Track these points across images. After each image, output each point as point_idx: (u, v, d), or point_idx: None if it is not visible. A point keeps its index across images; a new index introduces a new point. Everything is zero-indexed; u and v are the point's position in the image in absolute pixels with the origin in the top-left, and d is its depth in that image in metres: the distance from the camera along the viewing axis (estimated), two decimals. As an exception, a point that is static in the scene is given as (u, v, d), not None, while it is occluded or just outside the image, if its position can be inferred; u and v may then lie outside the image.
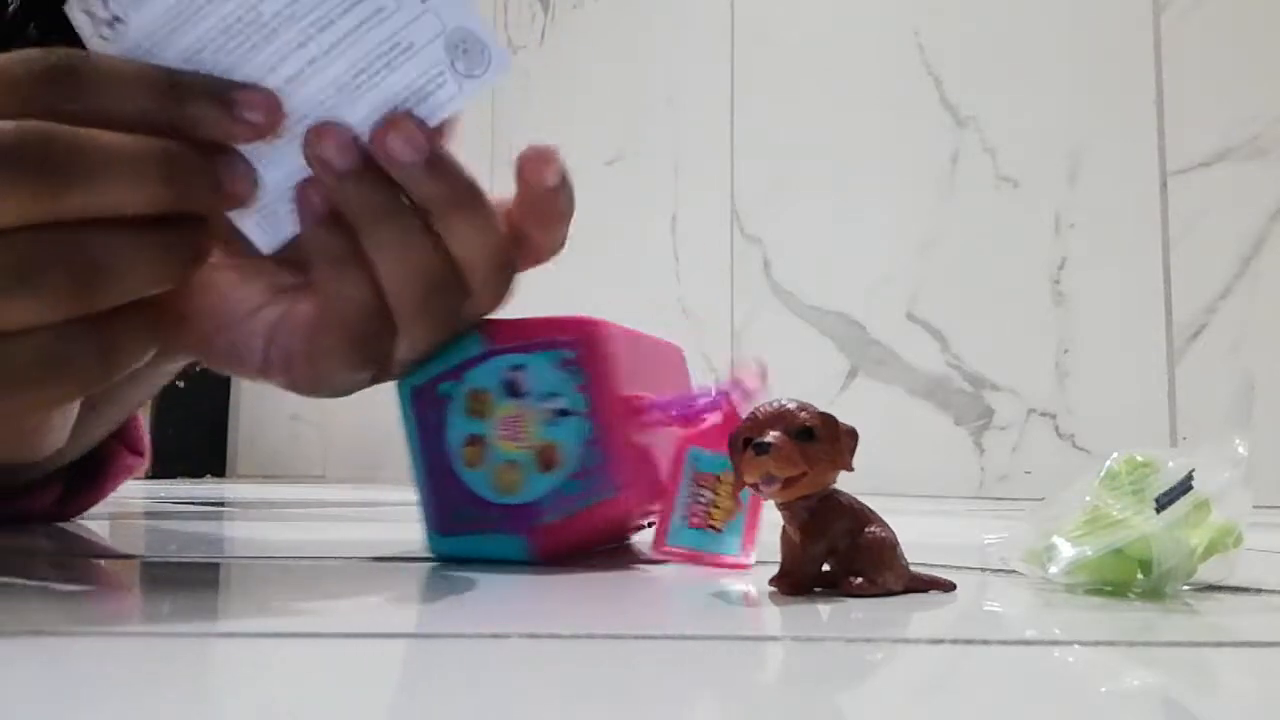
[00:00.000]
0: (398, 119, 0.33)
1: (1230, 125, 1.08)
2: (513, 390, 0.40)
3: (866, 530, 0.33)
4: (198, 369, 0.51)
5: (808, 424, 0.32)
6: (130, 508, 0.83)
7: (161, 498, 1.05)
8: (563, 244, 0.38)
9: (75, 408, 0.40)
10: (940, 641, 0.27)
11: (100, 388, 0.33)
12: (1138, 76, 1.15)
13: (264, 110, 0.32)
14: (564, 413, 0.39)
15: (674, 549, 0.39)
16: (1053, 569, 0.34)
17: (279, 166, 0.34)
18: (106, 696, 0.20)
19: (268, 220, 0.35)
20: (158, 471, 0.61)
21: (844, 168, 1.41)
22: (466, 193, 0.35)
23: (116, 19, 0.32)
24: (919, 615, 0.31)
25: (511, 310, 0.40)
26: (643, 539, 0.46)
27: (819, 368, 1.40)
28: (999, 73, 1.28)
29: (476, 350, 0.40)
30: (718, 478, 0.39)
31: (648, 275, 1.64)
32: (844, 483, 0.33)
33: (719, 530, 0.39)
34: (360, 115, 0.33)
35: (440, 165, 0.34)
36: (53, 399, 0.32)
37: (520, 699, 0.20)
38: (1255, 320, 1.06)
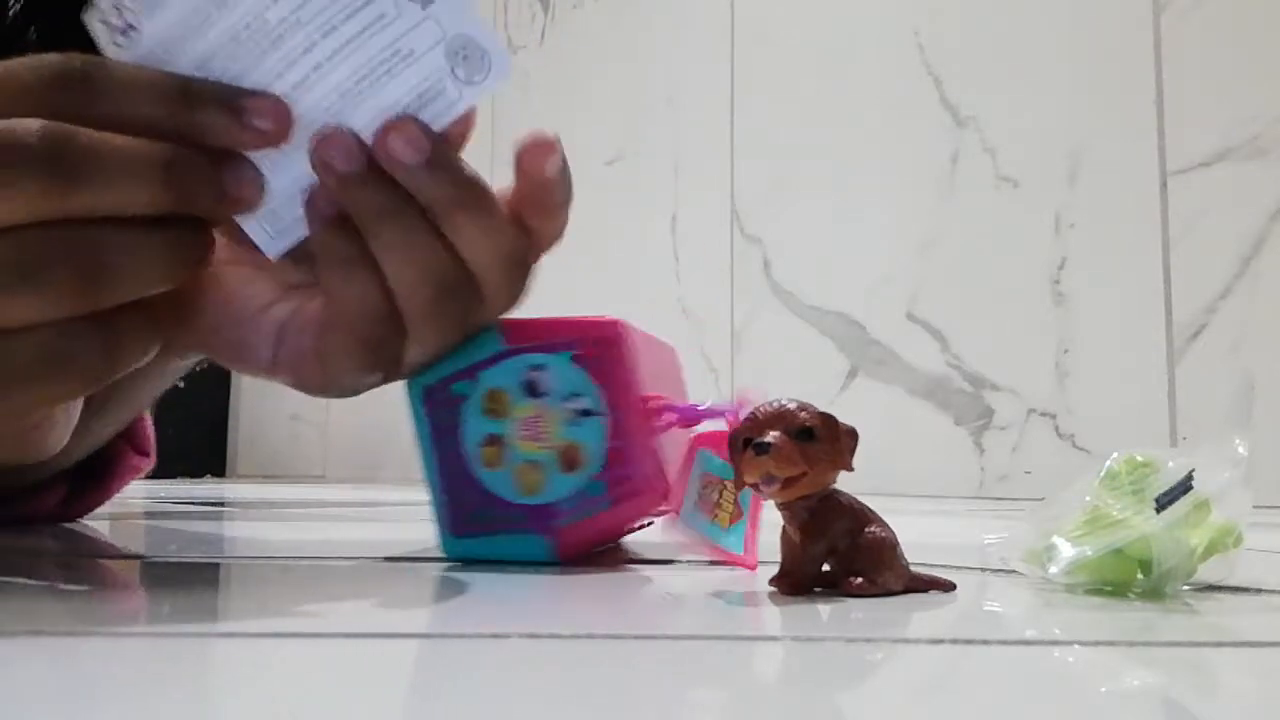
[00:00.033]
0: (400, 122, 0.33)
1: (1230, 125, 1.08)
2: (533, 390, 0.39)
3: (866, 530, 0.33)
4: (199, 368, 0.51)
5: (808, 424, 0.32)
6: (130, 508, 0.83)
7: (161, 498, 1.05)
8: (562, 232, 0.38)
9: (78, 406, 0.40)
10: (940, 641, 0.27)
11: (102, 385, 0.33)
12: (1138, 76, 1.15)
13: (273, 117, 0.32)
14: (587, 413, 0.39)
15: (687, 531, 0.39)
16: (1053, 569, 0.34)
17: (285, 172, 0.34)
18: (107, 697, 0.20)
19: (274, 225, 0.35)
20: (158, 471, 0.61)
21: (844, 168, 1.41)
22: (471, 194, 0.35)
23: (130, 27, 0.32)
24: (919, 615, 0.31)
25: (513, 309, 0.40)
26: (638, 539, 0.46)
27: (819, 368, 1.40)
28: (999, 73, 1.28)
29: (493, 349, 0.40)
30: (724, 483, 0.40)
31: (648, 275, 1.65)
32: (844, 483, 0.33)
33: (724, 528, 0.39)
34: (364, 121, 0.33)
35: (444, 167, 0.34)
36: (55, 396, 0.32)
37: (520, 699, 0.20)
38: (1255, 320, 1.06)
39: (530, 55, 1.91)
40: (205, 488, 1.58)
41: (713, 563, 0.42)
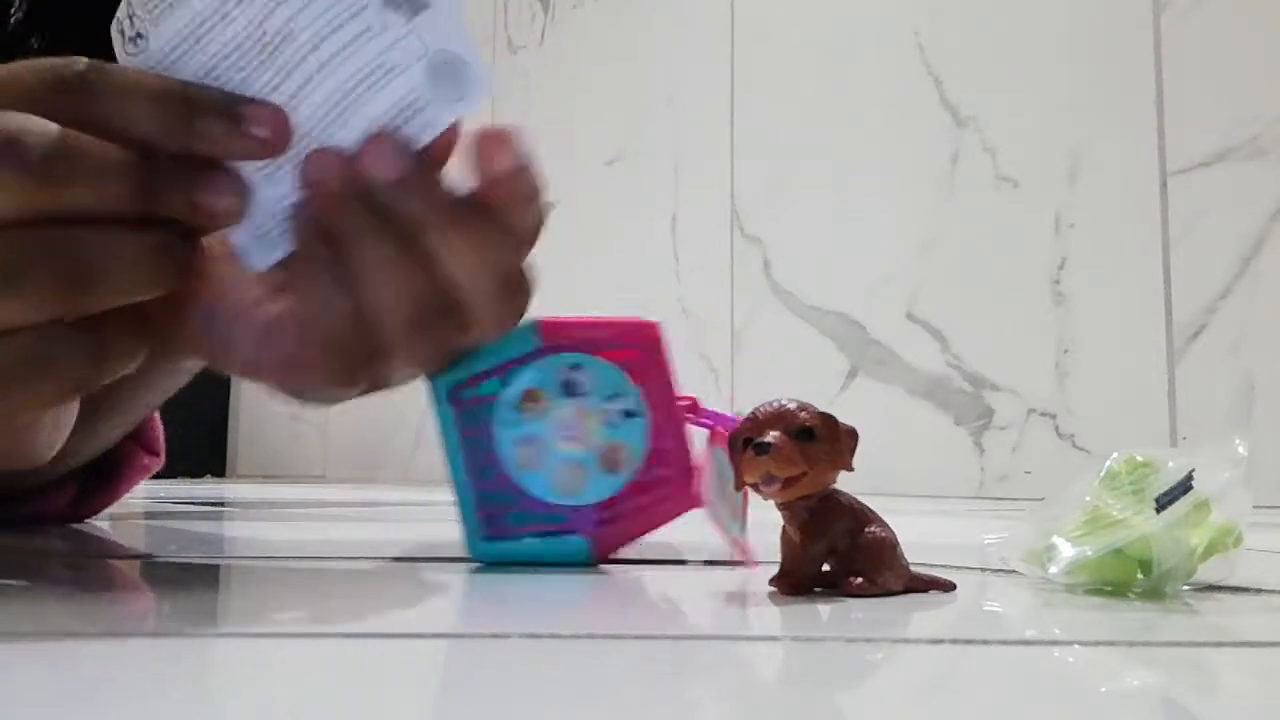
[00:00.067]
0: (377, 138, 0.33)
1: (1230, 125, 1.08)
2: (570, 390, 0.39)
3: (866, 530, 0.33)
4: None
5: (808, 424, 0.32)
6: (131, 508, 0.83)
7: (161, 498, 1.05)
8: (537, 228, 0.36)
9: (72, 412, 0.40)
10: (940, 641, 0.27)
11: (88, 391, 0.32)
12: (1138, 76, 1.15)
13: (271, 126, 0.32)
14: (629, 414, 0.39)
15: (710, 513, 0.39)
16: (1053, 569, 0.34)
17: (274, 185, 0.34)
18: (108, 697, 0.20)
19: (261, 237, 0.35)
20: (158, 471, 0.61)
21: (844, 168, 1.41)
22: (453, 212, 0.34)
23: (140, 35, 0.33)
24: (919, 615, 0.31)
25: (509, 328, 0.39)
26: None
27: (819, 368, 1.40)
28: (999, 73, 1.28)
29: (527, 347, 0.39)
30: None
31: (648, 275, 1.65)
32: (844, 483, 0.33)
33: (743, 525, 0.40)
34: (350, 136, 0.33)
35: (422, 184, 0.33)
36: (39, 400, 0.32)
37: (520, 699, 0.20)
38: (1255, 320, 1.06)
39: (530, 55, 1.91)
40: (205, 488, 1.58)
41: (710, 562, 0.42)
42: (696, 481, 0.40)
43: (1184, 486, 0.33)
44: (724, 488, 0.39)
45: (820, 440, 0.32)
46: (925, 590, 0.34)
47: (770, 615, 0.31)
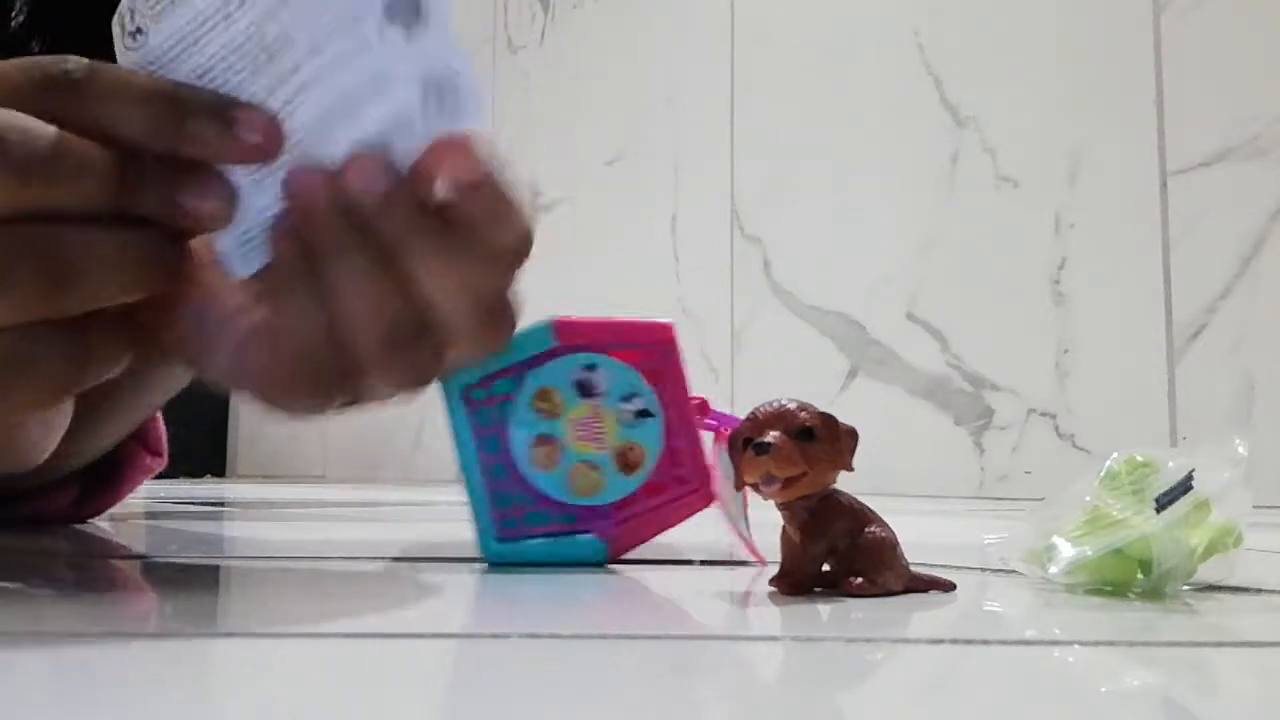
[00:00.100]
0: (361, 154, 0.32)
1: (1230, 125, 1.08)
2: (585, 390, 0.39)
3: (866, 530, 0.33)
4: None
5: (808, 424, 0.32)
6: (131, 508, 0.83)
7: (161, 498, 1.05)
8: (520, 249, 0.34)
9: (64, 413, 0.40)
10: (940, 641, 0.27)
11: (71, 394, 0.32)
12: (1138, 76, 1.15)
13: (263, 131, 0.32)
14: (645, 414, 0.40)
15: (725, 513, 0.39)
16: (1053, 569, 0.34)
17: (262, 192, 0.33)
18: (109, 697, 0.20)
19: (246, 245, 0.34)
20: (159, 471, 0.61)
21: (844, 168, 1.41)
22: (434, 230, 0.33)
23: (140, 30, 0.32)
24: (919, 615, 0.31)
25: (494, 348, 0.39)
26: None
27: (819, 368, 1.40)
28: (999, 73, 1.28)
29: (541, 347, 0.39)
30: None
31: (648, 275, 1.65)
32: (844, 483, 0.33)
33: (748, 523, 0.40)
34: (338, 148, 0.33)
35: (402, 201, 0.32)
36: (21, 403, 0.32)
37: (520, 699, 0.20)
38: (1255, 320, 1.06)
39: (530, 55, 1.91)
40: (205, 488, 1.58)
41: (711, 562, 0.42)
42: (713, 481, 0.40)
43: (1184, 486, 0.33)
44: (730, 488, 0.40)
45: (820, 440, 0.32)
46: (925, 590, 0.34)
47: (770, 615, 0.31)
